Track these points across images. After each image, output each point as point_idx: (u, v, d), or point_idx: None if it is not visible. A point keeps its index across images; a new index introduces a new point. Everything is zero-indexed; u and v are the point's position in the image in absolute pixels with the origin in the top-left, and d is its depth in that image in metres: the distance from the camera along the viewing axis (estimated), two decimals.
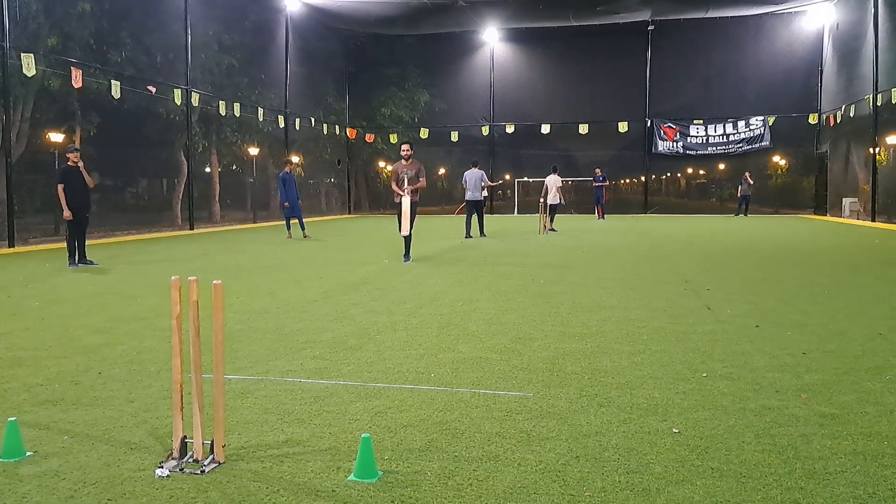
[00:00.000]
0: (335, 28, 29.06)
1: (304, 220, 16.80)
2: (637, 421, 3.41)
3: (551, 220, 18.39)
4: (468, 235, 16.14)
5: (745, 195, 27.04)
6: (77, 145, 10.37)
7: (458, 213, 19.29)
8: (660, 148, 29.90)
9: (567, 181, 29.90)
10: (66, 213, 10.27)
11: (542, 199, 18.23)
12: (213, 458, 2.87)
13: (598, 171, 25.51)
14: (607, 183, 26.18)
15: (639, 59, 29.53)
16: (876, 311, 6.35)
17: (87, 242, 10.94)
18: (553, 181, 18.71)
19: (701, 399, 3.75)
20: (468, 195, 16.30)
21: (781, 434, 3.21)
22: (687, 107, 29.41)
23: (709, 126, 29.39)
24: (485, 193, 16.59)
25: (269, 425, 3.38)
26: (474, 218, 16.52)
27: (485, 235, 16.37)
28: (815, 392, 3.87)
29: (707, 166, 30.98)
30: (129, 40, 18.56)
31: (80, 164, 10.51)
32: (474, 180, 16.16)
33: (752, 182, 27.20)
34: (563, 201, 19.05)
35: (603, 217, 25.50)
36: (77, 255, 10.54)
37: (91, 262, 10.67)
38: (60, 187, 10.23)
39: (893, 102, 20.75)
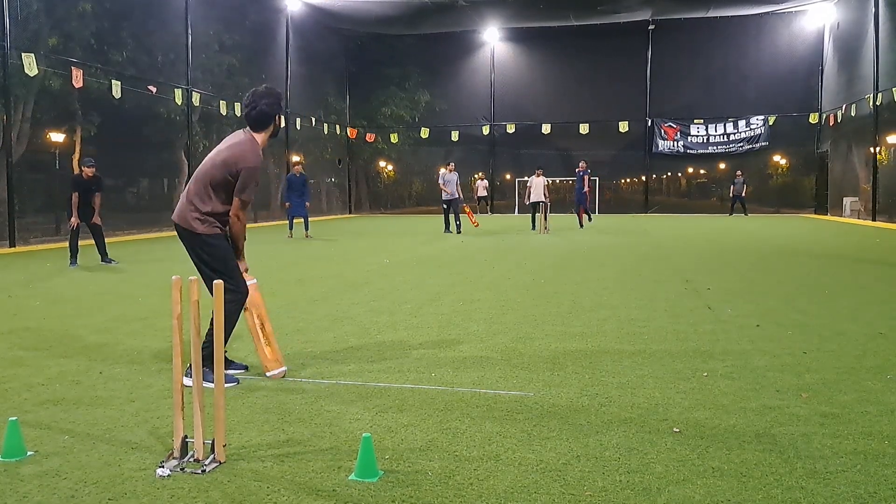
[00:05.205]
0: (335, 28, 29.05)
1: (308, 220, 16.96)
2: (638, 420, 3.41)
3: (545, 219, 18.45)
4: (447, 230, 18.10)
5: (737, 195, 27.01)
6: (92, 159, 10.43)
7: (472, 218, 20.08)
8: (660, 147, 29.89)
9: (568, 181, 29.94)
10: (73, 220, 10.33)
11: (527, 201, 19.05)
12: (214, 458, 2.88)
13: (582, 164, 20.49)
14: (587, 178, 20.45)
15: (639, 58, 29.52)
16: (877, 310, 6.35)
17: (87, 242, 11.05)
18: (539, 182, 18.88)
19: (701, 398, 3.75)
20: (444, 195, 17.97)
21: (782, 433, 3.21)
22: (687, 106, 29.41)
23: (709, 125, 29.39)
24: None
25: (270, 425, 3.38)
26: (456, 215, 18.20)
27: (460, 232, 17.83)
28: (816, 391, 3.87)
29: (708, 166, 31.00)
30: (129, 40, 18.56)
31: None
32: (452, 182, 17.87)
33: (744, 180, 27.02)
34: (547, 200, 19.16)
35: (582, 222, 20.39)
36: (100, 255, 10.84)
37: (112, 261, 10.85)
38: (75, 196, 10.26)
39: (894, 102, 20.74)
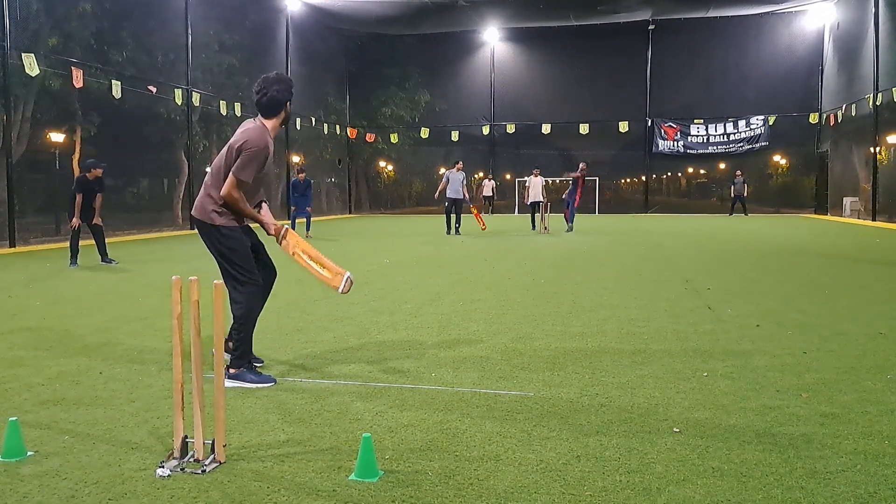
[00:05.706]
0: (335, 28, 29.07)
1: (310, 221, 17.20)
2: (638, 420, 3.41)
3: (542, 219, 18.38)
4: (448, 231, 17.44)
5: (738, 195, 27.03)
6: (101, 162, 10.46)
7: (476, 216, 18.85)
8: (660, 147, 29.90)
9: (568, 181, 29.94)
10: (75, 221, 10.35)
11: (526, 202, 19.07)
12: (214, 458, 2.87)
13: (583, 165, 19.22)
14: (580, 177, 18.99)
15: (639, 58, 29.54)
16: (877, 310, 6.35)
17: (87, 242, 11.07)
18: (537, 182, 18.85)
19: (702, 398, 3.75)
20: (449, 194, 17.35)
21: (782, 433, 3.21)
22: (687, 106, 29.43)
23: (709, 125, 29.41)
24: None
25: (270, 425, 3.38)
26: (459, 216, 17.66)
27: (459, 234, 17.22)
28: (816, 391, 3.87)
29: (708, 166, 31.02)
30: (129, 40, 18.57)
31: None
32: (456, 181, 17.21)
33: (744, 180, 27.06)
34: (545, 200, 19.11)
35: (571, 225, 19.00)
36: (100, 256, 10.86)
37: (112, 261, 10.86)
38: (79, 197, 10.27)
39: (894, 102, 20.74)
